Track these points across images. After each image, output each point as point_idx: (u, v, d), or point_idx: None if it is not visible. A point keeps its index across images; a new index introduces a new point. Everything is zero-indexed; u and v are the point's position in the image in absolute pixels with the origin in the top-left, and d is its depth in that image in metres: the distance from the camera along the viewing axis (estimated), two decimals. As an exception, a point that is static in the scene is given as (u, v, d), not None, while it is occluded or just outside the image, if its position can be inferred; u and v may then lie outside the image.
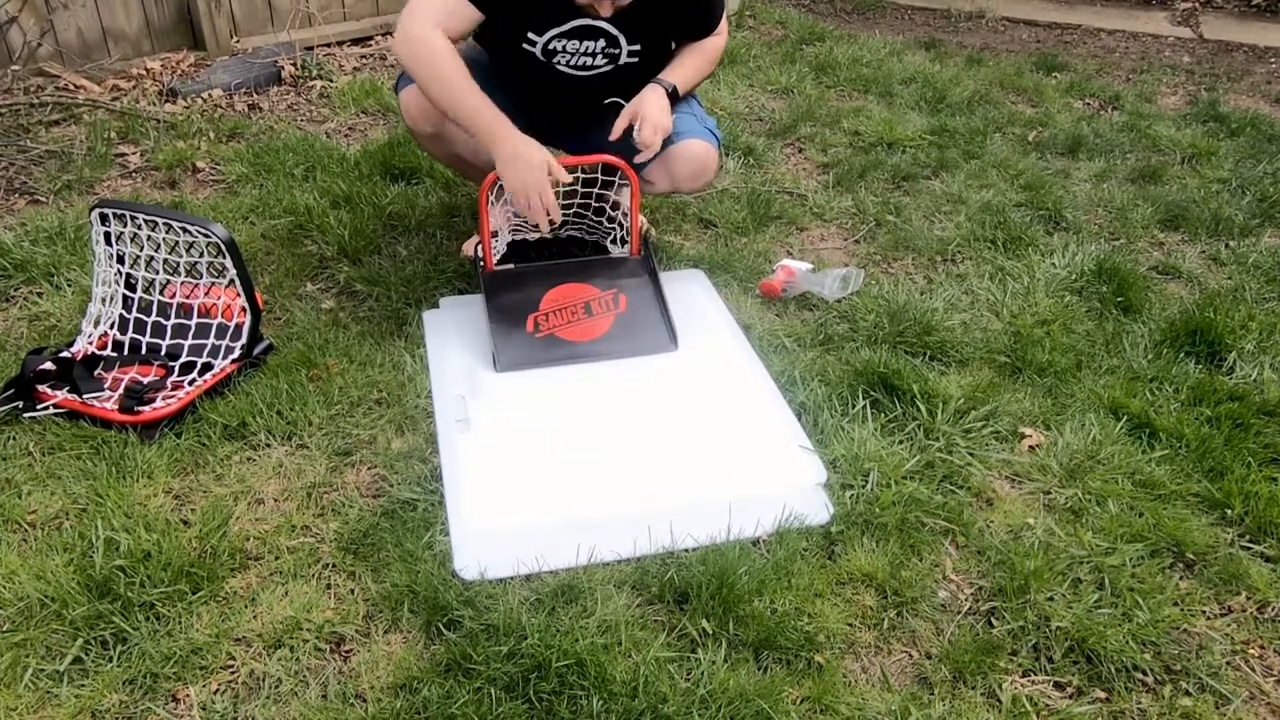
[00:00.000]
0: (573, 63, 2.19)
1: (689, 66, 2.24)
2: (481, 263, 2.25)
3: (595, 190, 2.41)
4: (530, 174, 2.01)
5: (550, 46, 2.14)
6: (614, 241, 2.45)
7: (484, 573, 1.59)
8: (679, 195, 2.72)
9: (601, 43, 2.15)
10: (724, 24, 2.31)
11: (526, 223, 2.48)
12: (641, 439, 1.94)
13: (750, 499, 1.74)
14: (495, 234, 2.36)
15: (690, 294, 2.40)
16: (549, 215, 2.06)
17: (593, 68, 2.21)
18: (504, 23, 2.15)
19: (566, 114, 2.35)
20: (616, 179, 2.35)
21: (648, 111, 2.11)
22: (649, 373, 2.13)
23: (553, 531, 1.68)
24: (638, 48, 2.17)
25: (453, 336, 2.21)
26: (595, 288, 2.27)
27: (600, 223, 2.48)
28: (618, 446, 1.91)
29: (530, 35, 2.13)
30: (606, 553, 1.64)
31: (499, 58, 2.24)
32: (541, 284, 2.27)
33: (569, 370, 2.12)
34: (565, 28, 2.10)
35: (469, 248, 2.58)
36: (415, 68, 2.02)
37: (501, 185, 2.29)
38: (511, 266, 2.32)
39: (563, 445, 1.91)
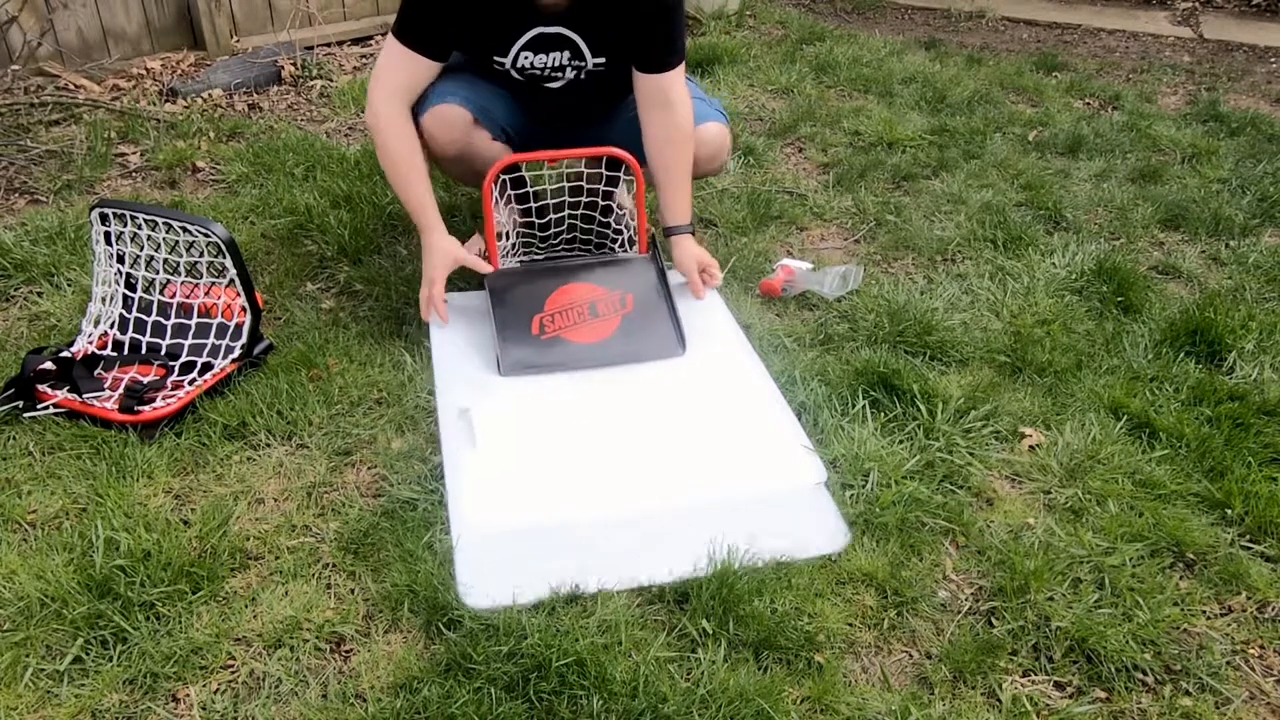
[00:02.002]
0: (545, 75, 2.19)
1: (681, 189, 2.26)
2: (486, 260, 2.23)
3: (600, 187, 2.39)
4: (433, 268, 2.17)
5: (520, 65, 2.15)
6: (620, 246, 2.41)
7: (493, 602, 1.54)
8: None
9: (566, 54, 2.14)
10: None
11: (534, 227, 2.45)
12: (650, 453, 1.87)
13: (765, 533, 1.69)
14: (501, 235, 2.34)
15: (695, 300, 2.33)
16: (432, 309, 2.18)
17: (566, 78, 2.21)
18: (467, 51, 2.18)
19: (558, 117, 2.36)
20: (621, 174, 2.34)
21: (707, 260, 2.30)
22: (656, 378, 2.08)
23: (562, 557, 1.63)
24: (603, 60, 2.17)
25: (456, 336, 2.17)
26: (602, 288, 2.23)
27: (608, 224, 2.44)
28: (626, 462, 1.85)
29: (496, 58, 2.14)
30: (615, 581, 1.58)
31: (483, 74, 2.25)
32: (547, 283, 2.22)
33: (574, 376, 2.07)
34: (526, 39, 2.09)
35: (469, 248, 2.58)
36: (376, 144, 2.17)
37: (506, 181, 2.29)
38: (517, 264, 2.29)
39: (570, 462, 1.85)
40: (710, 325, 2.26)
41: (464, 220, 2.75)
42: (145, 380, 1.99)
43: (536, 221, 2.45)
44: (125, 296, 2.11)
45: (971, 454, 1.92)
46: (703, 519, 1.70)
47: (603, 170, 2.37)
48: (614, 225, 2.43)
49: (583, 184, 2.40)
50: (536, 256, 2.42)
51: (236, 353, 2.05)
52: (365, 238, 2.59)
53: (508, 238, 2.39)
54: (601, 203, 2.42)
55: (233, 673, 1.45)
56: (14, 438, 1.88)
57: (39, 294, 2.34)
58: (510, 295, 2.19)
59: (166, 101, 3.51)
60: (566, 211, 2.48)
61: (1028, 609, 1.58)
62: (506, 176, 2.26)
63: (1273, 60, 4.70)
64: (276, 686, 1.43)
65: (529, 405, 2.00)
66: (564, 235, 2.47)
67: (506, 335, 2.12)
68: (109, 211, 2.03)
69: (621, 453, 1.89)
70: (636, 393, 2.05)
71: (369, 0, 4.29)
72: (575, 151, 2.28)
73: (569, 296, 2.21)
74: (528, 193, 2.39)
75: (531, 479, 1.81)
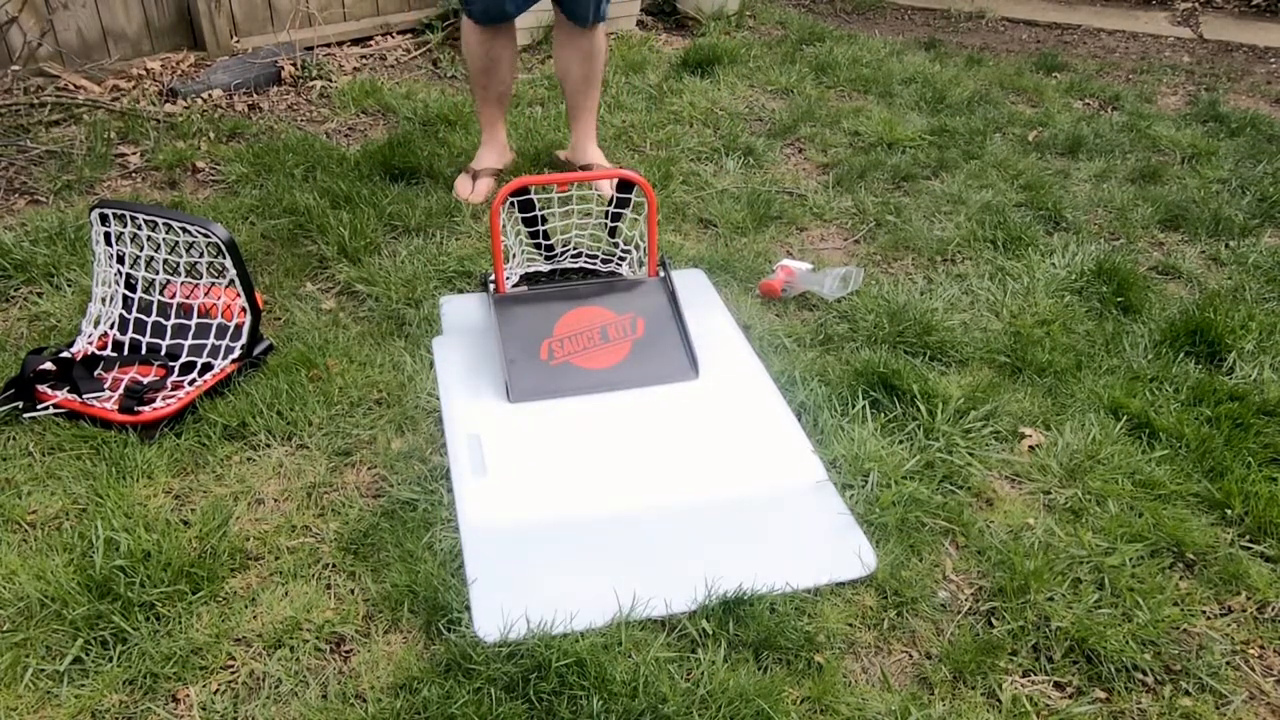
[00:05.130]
0: None
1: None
2: (493, 284, 2.20)
3: (610, 209, 2.36)
4: None
5: None
6: (630, 265, 2.38)
7: (506, 634, 1.50)
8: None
9: None
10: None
11: (539, 248, 2.41)
12: (667, 483, 1.83)
13: (784, 558, 1.66)
14: (508, 257, 2.30)
15: (695, 301, 2.34)
16: None
17: None
18: None
19: None
20: (632, 196, 2.32)
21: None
22: (669, 404, 2.03)
23: (579, 590, 1.58)
24: None
25: (464, 363, 2.12)
26: (611, 311, 2.18)
27: (616, 244, 2.40)
28: (640, 490, 1.81)
29: None
30: (638, 613, 1.54)
31: None
32: (556, 308, 2.18)
33: (585, 401, 2.02)
34: None
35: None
36: None
37: (514, 204, 2.25)
38: (525, 289, 2.25)
39: (584, 491, 1.81)
40: (723, 347, 2.20)
41: (464, 220, 2.75)
42: (145, 381, 1.99)
43: (543, 243, 2.41)
44: (125, 297, 2.11)
45: (971, 454, 1.92)
46: (723, 551, 1.67)
47: (613, 193, 2.35)
48: (620, 249, 2.40)
49: (592, 206, 2.37)
50: (542, 269, 2.38)
51: (236, 353, 2.05)
52: (365, 238, 2.59)
53: (514, 259, 2.35)
54: (610, 224, 2.39)
55: (233, 673, 1.45)
56: (14, 438, 1.88)
57: (39, 294, 2.34)
58: (518, 319, 2.14)
59: (166, 102, 3.51)
60: (574, 232, 2.45)
61: (1028, 609, 1.58)
62: (515, 199, 2.24)
63: (1273, 60, 4.70)
64: (276, 687, 1.43)
65: (539, 430, 1.95)
66: (570, 252, 2.43)
67: (515, 361, 2.07)
68: (109, 212, 2.03)
69: (635, 480, 1.84)
70: (649, 418, 2.00)
71: (369, 0, 4.29)
72: (587, 175, 2.27)
73: (578, 321, 2.16)
74: (536, 215, 2.34)
75: (545, 507, 1.77)
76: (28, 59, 3.40)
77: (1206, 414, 2.04)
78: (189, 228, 1.99)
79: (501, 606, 1.53)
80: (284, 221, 2.68)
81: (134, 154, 3.12)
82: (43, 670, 1.43)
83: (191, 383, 1.99)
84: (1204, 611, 1.61)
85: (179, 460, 1.84)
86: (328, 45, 4.12)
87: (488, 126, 2.98)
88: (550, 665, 1.42)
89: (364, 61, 4.11)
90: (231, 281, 2.03)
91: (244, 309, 2.05)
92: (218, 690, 1.43)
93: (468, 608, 1.54)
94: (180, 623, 1.51)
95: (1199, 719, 1.44)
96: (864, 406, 2.01)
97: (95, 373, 2.00)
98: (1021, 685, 1.48)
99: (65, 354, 2.00)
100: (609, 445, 1.93)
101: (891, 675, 1.49)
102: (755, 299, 2.45)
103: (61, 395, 1.91)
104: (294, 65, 3.80)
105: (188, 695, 1.42)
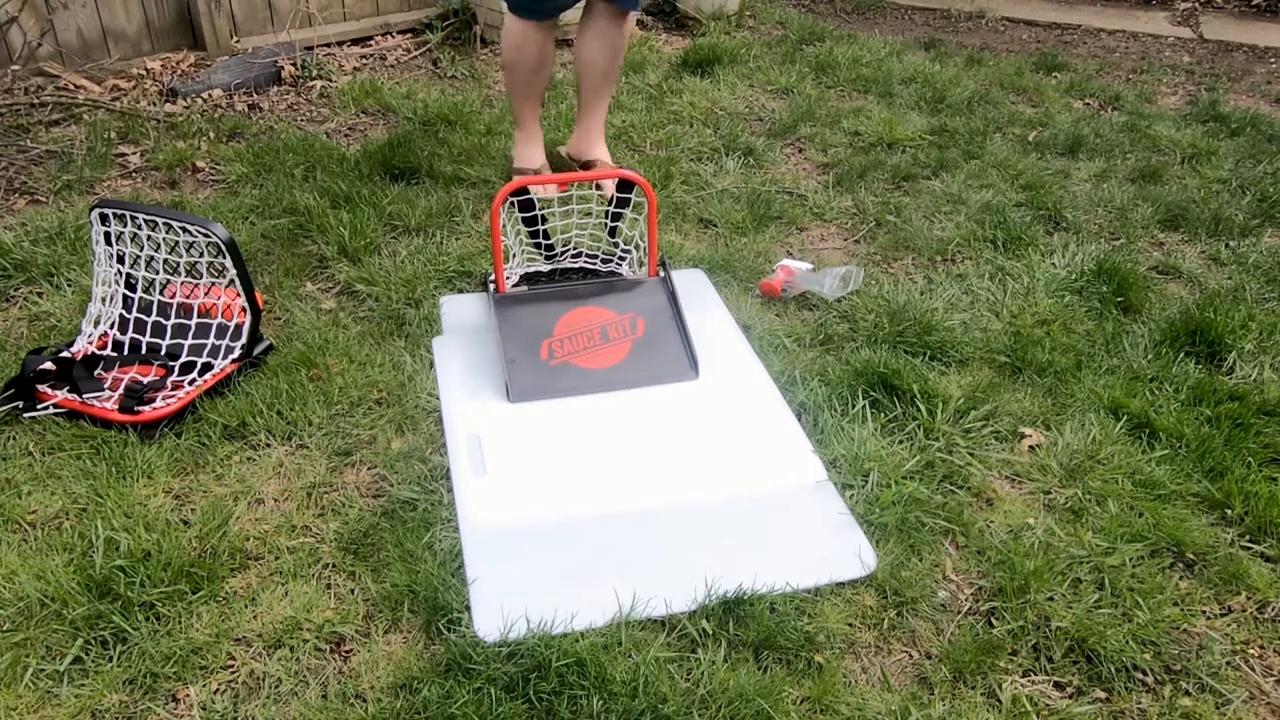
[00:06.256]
0: None
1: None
2: (493, 284, 2.20)
3: (610, 209, 2.36)
4: None
5: None
6: (630, 265, 2.38)
7: (506, 634, 1.50)
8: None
9: None
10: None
11: (539, 248, 2.42)
12: (667, 483, 1.83)
13: (784, 558, 1.66)
14: (508, 257, 2.30)
15: (695, 301, 2.34)
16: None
17: None
18: None
19: None
20: (632, 196, 2.33)
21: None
22: (668, 403, 2.03)
23: (579, 589, 1.58)
24: None
25: (464, 363, 2.12)
26: (611, 311, 2.19)
27: (616, 244, 2.40)
28: (641, 490, 1.81)
29: None
30: (638, 613, 1.54)
31: None
32: (556, 308, 2.18)
33: (585, 401, 2.02)
34: None
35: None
36: None
37: (513, 204, 2.26)
38: (525, 289, 2.25)
39: (583, 491, 1.81)
40: (723, 347, 2.20)
41: (464, 220, 2.75)
42: (145, 380, 1.99)
43: (543, 243, 2.40)
44: (125, 297, 2.11)
45: (971, 454, 1.92)
46: (723, 551, 1.67)
47: (614, 193, 2.35)
48: (620, 249, 2.40)
49: (593, 205, 2.38)
50: (542, 269, 2.38)
51: (236, 353, 2.05)
52: (365, 238, 2.59)
53: (514, 259, 2.36)
54: (610, 224, 2.39)
55: (233, 673, 1.45)
56: (14, 438, 1.88)
57: (39, 294, 2.34)
58: (518, 319, 2.14)
59: (166, 102, 3.51)
60: (575, 232, 2.45)
61: (1028, 609, 1.58)
62: (515, 199, 2.24)
63: (1273, 60, 4.70)
64: (276, 686, 1.43)
65: (539, 430, 1.95)
66: (570, 252, 2.43)
67: (515, 361, 2.07)
68: (109, 211, 2.03)
69: (635, 481, 1.84)
70: (649, 418, 2.00)
71: (369, 0, 4.29)
72: (588, 175, 2.27)
73: (578, 321, 2.16)
74: (536, 215, 2.34)
75: (545, 507, 1.77)
76: (28, 59, 3.40)
77: (1206, 414, 2.04)
78: (189, 227, 1.99)
79: (501, 606, 1.53)
80: (284, 221, 2.68)
81: (134, 154, 3.12)
82: (43, 670, 1.43)
83: (191, 382, 1.99)
84: (1204, 611, 1.61)
85: (179, 460, 1.84)
86: (328, 45, 4.12)
87: (530, 123, 2.99)
88: (550, 665, 1.42)
89: (364, 61, 4.11)
90: (231, 281, 2.03)
91: (244, 309, 2.05)
92: (218, 690, 1.43)
93: (468, 608, 1.54)
94: (180, 623, 1.51)
95: (1199, 719, 1.44)
96: (864, 406, 2.01)
97: (95, 372, 2.00)
98: (1021, 685, 1.48)
99: (65, 354, 2.00)
100: (609, 445, 1.93)
101: (891, 675, 1.49)
102: (755, 299, 2.45)
103: (61, 395, 1.91)
104: (294, 65, 3.79)
105: (188, 695, 1.42)
